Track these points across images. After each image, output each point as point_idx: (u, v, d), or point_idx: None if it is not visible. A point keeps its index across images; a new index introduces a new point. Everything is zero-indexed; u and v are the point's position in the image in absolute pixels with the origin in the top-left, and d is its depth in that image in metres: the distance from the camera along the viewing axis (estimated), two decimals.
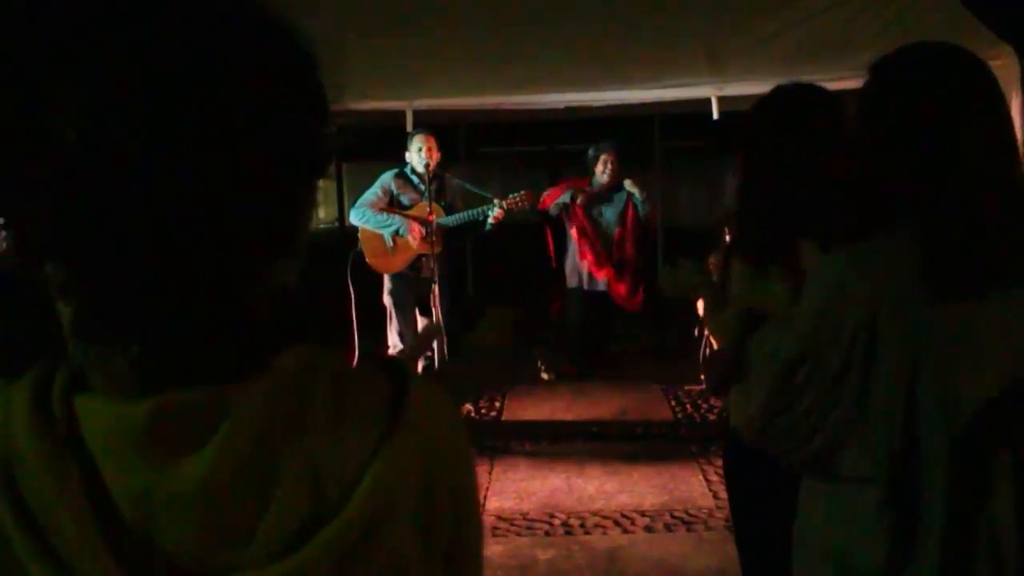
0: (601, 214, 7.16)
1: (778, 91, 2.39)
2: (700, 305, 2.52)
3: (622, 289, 7.08)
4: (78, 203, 0.70)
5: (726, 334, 2.30)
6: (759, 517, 2.37)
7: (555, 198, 7.10)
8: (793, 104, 2.32)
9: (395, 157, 6.05)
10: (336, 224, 22.95)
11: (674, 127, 11.72)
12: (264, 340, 0.77)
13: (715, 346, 2.60)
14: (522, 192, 5.92)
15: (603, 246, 7.09)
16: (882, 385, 1.56)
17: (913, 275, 1.53)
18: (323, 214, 29.26)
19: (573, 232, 7.14)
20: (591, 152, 7.17)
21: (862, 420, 1.59)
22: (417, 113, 6.08)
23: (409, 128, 5.94)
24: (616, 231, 7.12)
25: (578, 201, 7.04)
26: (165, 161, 0.70)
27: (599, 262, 7.08)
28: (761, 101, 2.41)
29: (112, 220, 0.71)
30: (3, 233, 0.75)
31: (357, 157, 20.58)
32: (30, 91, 0.70)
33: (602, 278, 7.11)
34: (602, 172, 7.07)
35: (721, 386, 2.40)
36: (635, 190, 7.10)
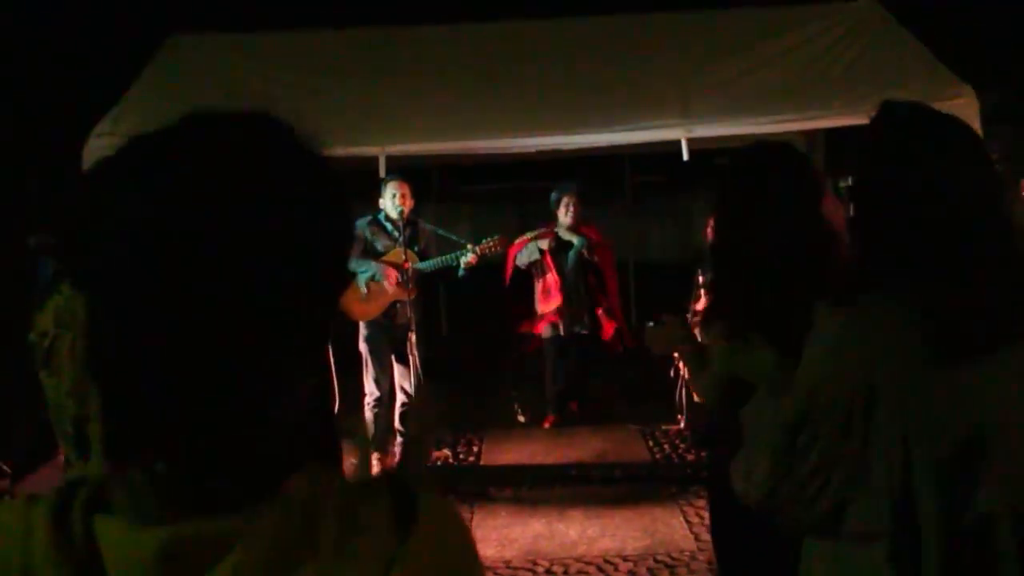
0: (565, 259, 7.11)
1: (740, 156, 2.41)
2: (680, 359, 2.55)
3: (610, 329, 7.07)
4: (118, 328, 0.71)
5: (708, 395, 2.32)
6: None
7: (519, 248, 7.09)
8: (755, 169, 2.35)
9: (365, 199, 6.04)
10: None
11: (645, 162, 11.84)
12: (282, 461, 0.77)
13: (693, 393, 2.63)
14: (496, 237, 5.94)
15: (567, 290, 7.04)
16: (882, 446, 1.58)
17: (910, 338, 1.55)
18: None
19: (542, 282, 7.06)
20: (553, 195, 7.15)
21: (864, 480, 1.60)
22: (389, 157, 6.09)
23: (382, 174, 5.93)
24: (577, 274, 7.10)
25: (546, 248, 7.04)
26: (198, 301, 0.72)
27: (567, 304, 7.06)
28: (725, 168, 2.44)
29: (146, 349, 0.72)
30: None
31: None
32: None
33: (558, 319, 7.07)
34: (564, 215, 7.04)
35: (705, 445, 2.42)
36: (572, 237, 7.06)
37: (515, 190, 17.32)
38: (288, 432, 0.79)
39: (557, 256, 7.07)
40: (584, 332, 7.06)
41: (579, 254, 7.06)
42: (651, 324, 2.62)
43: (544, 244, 7.06)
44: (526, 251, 7.07)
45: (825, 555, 1.72)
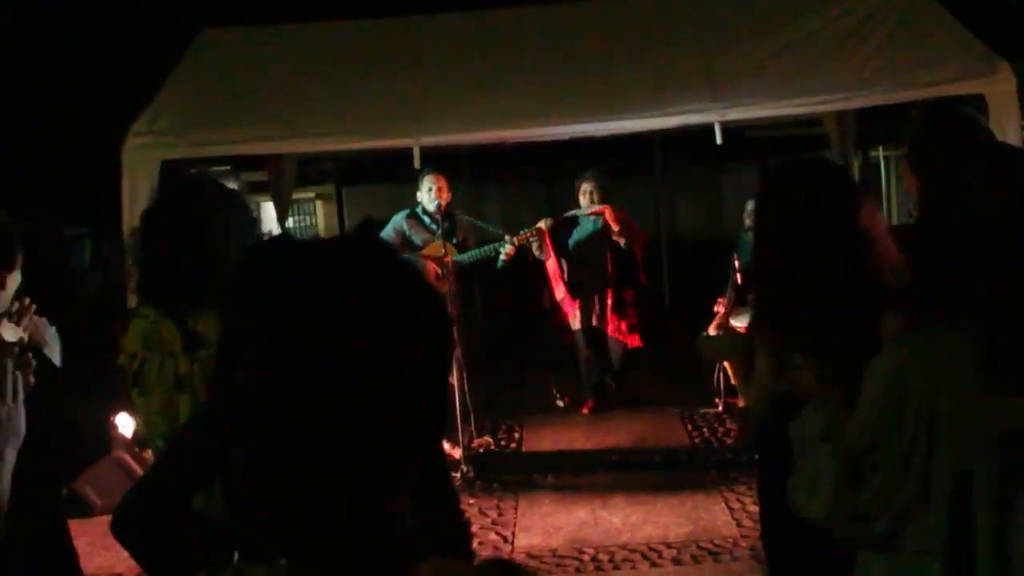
0: (578, 244, 7.05)
1: (780, 172, 2.43)
2: (731, 369, 2.58)
3: (623, 326, 7.01)
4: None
5: (757, 406, 2.36)
6: None
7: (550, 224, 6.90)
8: (799, 185, 2.37)
9: (390, 178, 6.07)
10: None
11: (674, 137, 11.80)
12: (402, 553, 0.83)
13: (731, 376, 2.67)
14: (533, 228, 5.98)
15: (578, 278, 6.99)
16: (943, 468, 1.63)
17: (970, 367, 1.59)
18: (324, 235, 29.37)
19: (548, 267, 6.97)
20: (576, 182, 7.12)
21: (925, 500, 1.66)
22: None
23: (417, 164, 5.98)
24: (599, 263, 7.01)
25: (543, 226, 6.75)
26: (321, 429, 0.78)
27: (571, 294, 6.99)
28: (763, 183, 2.45)
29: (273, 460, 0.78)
30: None
31: (355, 182, 20.71)
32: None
33: (570, 309, 7.00)
34: (586, 203, 7.01)
35: (748, 448, 2.48)
36: (610, 217, 6.93)
37: (543, 171, 17.26)
38: (402, 529, 0.85)
39: (567, 239, 7.03)
40: (598, 327, 7.03)
41: (593, 237, 6.99)
42: (705, 335, 2.66)
43: (543, 224, 6.81)
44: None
45: (882, 569, 1.78)
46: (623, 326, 6.99)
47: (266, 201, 13.14)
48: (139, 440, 2.54)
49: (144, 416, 2.51)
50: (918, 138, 2.75)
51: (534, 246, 6.87)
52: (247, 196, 2.65)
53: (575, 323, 7.07)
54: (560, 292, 6.98)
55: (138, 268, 2.53)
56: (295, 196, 23.20)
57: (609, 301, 6.98)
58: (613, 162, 11.33)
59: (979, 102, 6.02)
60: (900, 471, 1.66)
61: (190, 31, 6.87)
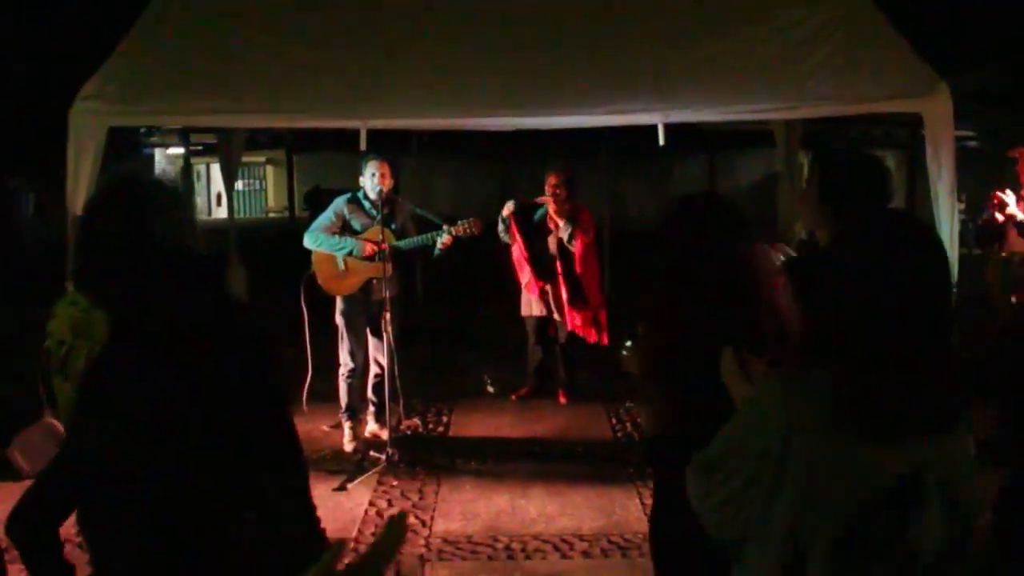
0: (538, 233, 7.11)
1: (679, 208, 2.56)
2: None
3: (578, 319, 7.03)
4: None
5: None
6: None
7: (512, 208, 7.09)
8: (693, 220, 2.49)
9: (342, 147, 6.07)
10: (286, 212, 23.09)
11: (625, 130, 11.90)
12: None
13: None
14: (470, 219, 6.06)
15: (539, 264, 7.06)
16: (784, 503, 1.77)
17: (826, 415, 1.73)
18: (273, 202, 29.29)
19: (513, 251, 7.14)
20: (546, 173, 7.14)
21: (764, 522, 1.81)
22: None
23: (363, 146, 6.02)
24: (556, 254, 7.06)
25: (506, 212, 7.02)
26: None
27: (536, 277, 7.08)
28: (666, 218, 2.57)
29: None
30: None
31: (306, 149, 20.62)
32: None
33: (534, 293, 7.10)
34: (550, 193, 7.08)
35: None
36: (560, 223, 6.98)
37: (496, 150, 17.31)
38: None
39: (523, 225, 7.11)
40: (554, 318, 7.12)
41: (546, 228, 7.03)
42: (627, 346, 2.77)
43: (506, 210, 7.05)
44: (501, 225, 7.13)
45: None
46: (579, 319, 7.02)
47: (214, 163, 13.11)
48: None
49: (66, 403, 2.57)
50: (843, 187, 2.82)
51: (500, 231, 7.00)
52: (191, 195, 2.68)
53: (531, 310, 7.19)
54: (525, 276, 7.11)
55: (76, 257, 2.59)
56: (246, 159, 23.03)
57: (564, 294, 7.02)
58: (561, 147, 11.43)
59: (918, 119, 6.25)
60: (745, 491, 1.82)
61: None
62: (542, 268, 7.07)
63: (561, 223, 6.94)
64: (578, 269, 7.03)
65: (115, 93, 5.94)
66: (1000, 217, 5.86)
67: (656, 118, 6.10)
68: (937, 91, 5.92)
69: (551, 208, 7.00)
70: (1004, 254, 6.08)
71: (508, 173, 20.99)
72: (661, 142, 6.20)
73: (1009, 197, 5.81)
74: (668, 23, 6.65)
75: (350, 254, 5.98)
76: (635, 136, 6.45)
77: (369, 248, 5.94)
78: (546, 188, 7.09)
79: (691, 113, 6.24)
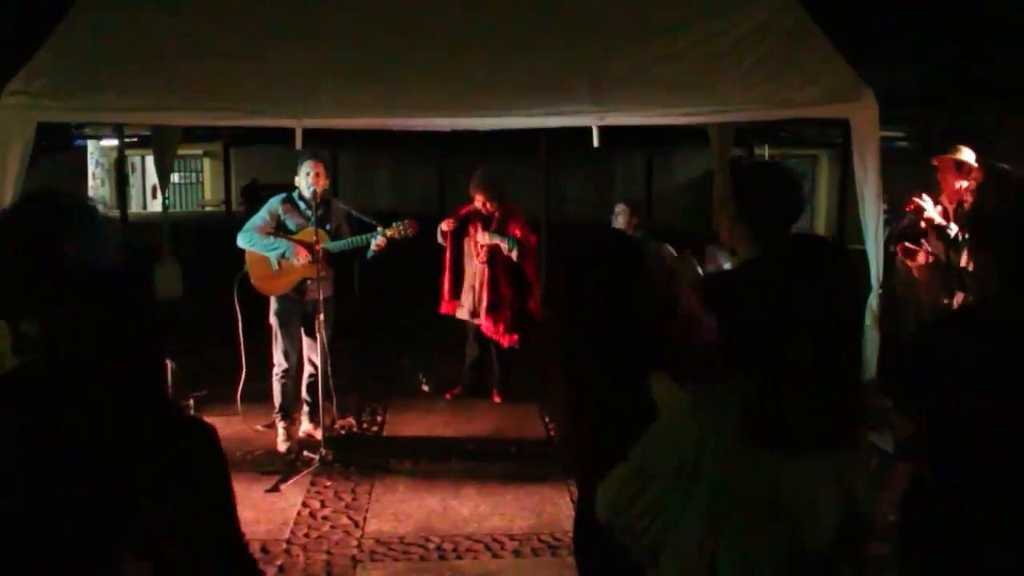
0: (466, 246, 7.21)
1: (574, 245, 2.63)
2: None
3: (488, 323, 7.12)
4: None
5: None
6: None
7: (451, 226, 7.19)
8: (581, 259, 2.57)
9: (280, 141, 6.03)
10: (223, 207, 22.85)
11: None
12: None
13: None
14: (405, 221, 6.07)
15: (459, 278, 7.21)
16: (697, 513, 1.85)
17: (735, 427, 1.81)
18: (210, 195, 28.95)
19: (446, 257, 7.25)
20: (472, 184, 7.19)
21: (678, 532, 1.88)
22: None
23: (298, 146, 6.01)
24: (478, 267, 7.13)
25: (445, 228, 7.14)
26: None
27: (451, 293, 7.26)
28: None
29: None
30: None
31: (244, 143, 20.39)
32: None
33: (447, 310, 7.26)
34: (480, 204, 7.12)
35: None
36: (495, 242, 7.02)
37: (435, 144, 17.29)
38: None
39: (456, 237, 7.21)
40: (478, 323, 7.19)
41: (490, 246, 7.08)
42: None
43: (444, 226, 7.15)
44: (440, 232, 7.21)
45: None
46: (499, 326, 7.08)
47: (149, 155, 12.96)
48: None
49: None
50: (757, 206, 2.90)
51: (438, 234, 7.04)
52: (105, 211, 2.69)
53: (461, 312, 7.25)
54: (447, 283, 7.21)
55: None
56: (182, 152, 22.63)
57: (485, 298, 7.08)
58: (500, 141, 11.47)
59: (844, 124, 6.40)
60: (660, 500, 1.89)
61: None
62: (459, 285, 7.22)
63: (503, 244, 6.98)
64: (502, 276, 7.11)
65: (44, 88, 5.85)
66: (922, 223, 6.02)
67: (591, 120, 6.18)
68: (863, 97, 6.08)
69: (503, 246, 7.02)
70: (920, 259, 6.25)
71: (448, 165, 21.01)
72: (596, 143, 6.27)
73: (926, 202, 5.97)
74: (604, 28, 6.72)
75: (283, 256, 5.96)
76: (574, 132, 6.50)
77: (303, 255, 5.92)
78: (475, 203, 7.13)
79: (625, 116, 6.33)
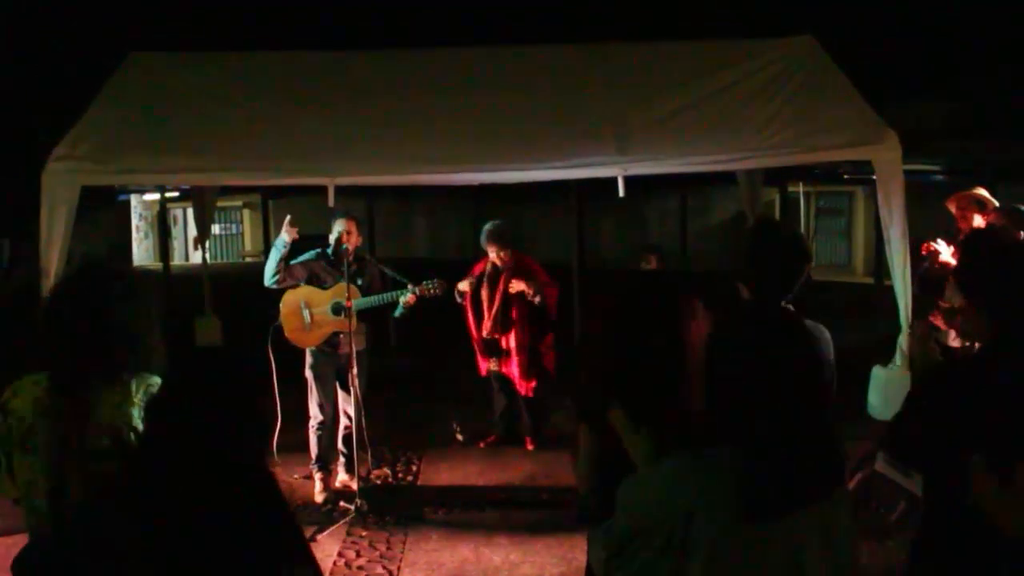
0: (484, 298, 7.30)
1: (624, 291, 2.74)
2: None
3: (515, 371, 7.21)
4: None
5: (581, 476, 2.64)
6: None
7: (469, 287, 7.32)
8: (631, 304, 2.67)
9: (317, 192, 6.24)
10: (262, 257, 23.19)
11: None
12: None
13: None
14: (436, 280, 6.21)
15: (482, 326, 7.30)
16: (694, 571, 1.94)
17: (726, 493, 1.91)
18: (250, 246, 29.38)
19: (468, 320, 7.39)
20: (481, 238, 7.27)
21: None
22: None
23: (331, 203, 6.18)
24: (494, 314, 7.22)
25: (463, 287, 7.26)
26: None
27: (483, 352, 7.38)
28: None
29: None
30: None
31: (282, 194, 20.72)
32: None
33: (485, 371, 7.38)
34: (495, 255, 7.20)
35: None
36: (522, 287, 7.09)
37: (472, 188, 17.41)
38: None
39: (477, 292, 7.31)
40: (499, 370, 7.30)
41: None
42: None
43: (463, 286, 7.27)
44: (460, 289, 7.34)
45: None
46: (518, 371, 7.19)
47: (191, 207, 13.25)
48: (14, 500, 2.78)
49: (26, 476, 2.73)
50: (761, 267, 2.98)
51: (456, 295, 7.17)
52: (148, 283, 2.89)
53: (485, 364, 7.36)
54: (477, 345, 7.35)
55: (41, 340, 2.76)
56: (222, 204, 23.04)
57: (508, 347, 7.20)
58: (534, 187, 11.60)
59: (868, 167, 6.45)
60: (655, 563, 1.98)
61: (119, 53, 6.98)
62: (488, 344, 7.32)
63: (528, 290, 7.05)
64: (518, 323, 7.19)
65: (87, 152, 6.08)
66: (936, 265, 6.02)
67: (616, 171, 6.23)
68: (886, 139, 6.12)
69: (518, 287, 7.11)
70: (944, 304, 6.25)
71: (482, 212, 21.17)
72: (621, 194, 6.34)
73: (941, 246, 5.97)
74: (627, 81, 6.87)
75: (282, 260, 6.14)
76: (605, 178, 6.59)
77: (291, 232, 6.18)
78: (490, 256, 7.22)
79: (650, 166, 6.40)
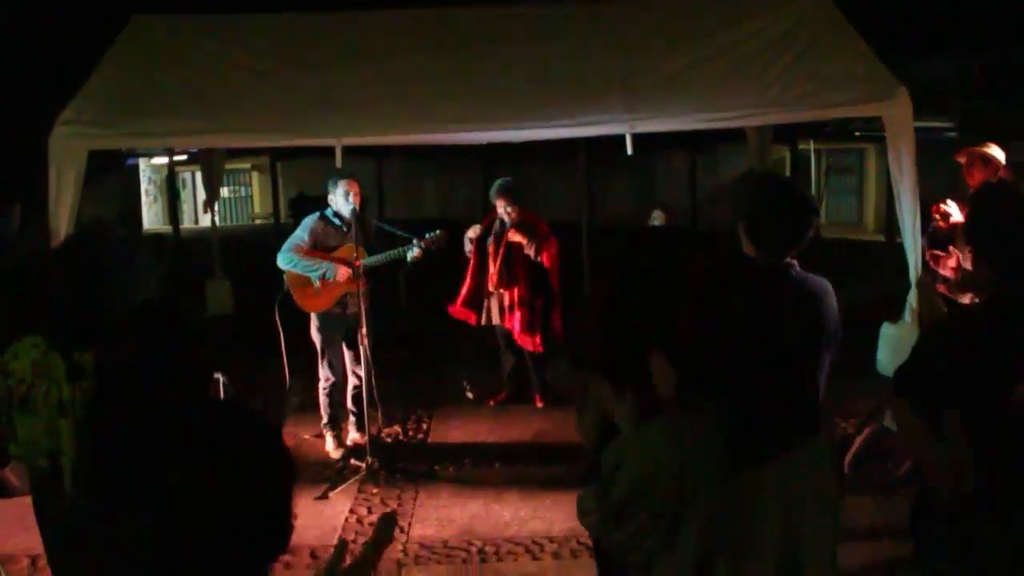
0: (490, 252, 7.28)
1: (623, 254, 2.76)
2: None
3: (516, 326, 7.19)
4: None
5: (588, 434, 2.68)
6: None
7: (477, 232, 7.29)
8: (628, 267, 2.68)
9: (325, 153, 6.22)
10: (271, 219, 23.24)
11: None
12: None
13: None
14: (439, 231, 6.21)
15: (478, 285, 7.31)
16: (686, 534, 1.99)
17: (713, 447, 1.94)
18: (259, 208, 29.40)
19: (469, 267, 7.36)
20: (491, 192, 7.25)
21: (671, 546, 2.02)
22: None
23: (338, 164, 6.19)
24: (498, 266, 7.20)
25: (471, 234, 7.24)
26: None
27: (465, 299, 7.37)
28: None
29: None
30: None
31: (290, 155, 20.72)
32: None
33: (455, 313, 7.38)
34: (502, 209, 7.15)
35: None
36: (518, 238, 7.04)
37: (480, 148, 17.37)
38: None
39: (480, 244, 7.29)
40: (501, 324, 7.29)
41: (507, 246, 7.14)
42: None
43: (471, 232, 7.25)
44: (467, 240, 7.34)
45: None
46: (519, 327, 7.16)
47: (199, 171, 13.28)
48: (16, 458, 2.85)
49: (27, 436, 2.80)
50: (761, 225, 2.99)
51: (464, 242, 7.18)
52: (149, 248, 2.93)
53: (492, 318, 7.36)
54: (464, 289, 7.34)
55: (39, 304, 2.82)
56: (231, 166, 23.00)
57: (511, 301, 7.19)
58: (541, 148, 11.52)
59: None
60: (650, 523, 2.02)
61: (123, 16, 6.96)
62: (477, 293, 7.33)
63: (524, 241, 7.02)
64: (521, 278, 7.17)
65: (93, 117, 6.09)
66: (944, 225, 5.97)
67: (624, 128, 6.18)
68: (896, 95, 6.05)
69: (515, 237, 7.08)
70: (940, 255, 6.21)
71: (491, 171, 21.14)
72: (629, 151, 6.30)
73: (951, 207, 5.92)
74: (634, 38, 6.83)
75: (324, 277, 6.12)
76: (614, 135, 6.54)
77: (343, 273, 6.08)
78: (498, 210, 7.19)
79: (658, 123, 6.36)
